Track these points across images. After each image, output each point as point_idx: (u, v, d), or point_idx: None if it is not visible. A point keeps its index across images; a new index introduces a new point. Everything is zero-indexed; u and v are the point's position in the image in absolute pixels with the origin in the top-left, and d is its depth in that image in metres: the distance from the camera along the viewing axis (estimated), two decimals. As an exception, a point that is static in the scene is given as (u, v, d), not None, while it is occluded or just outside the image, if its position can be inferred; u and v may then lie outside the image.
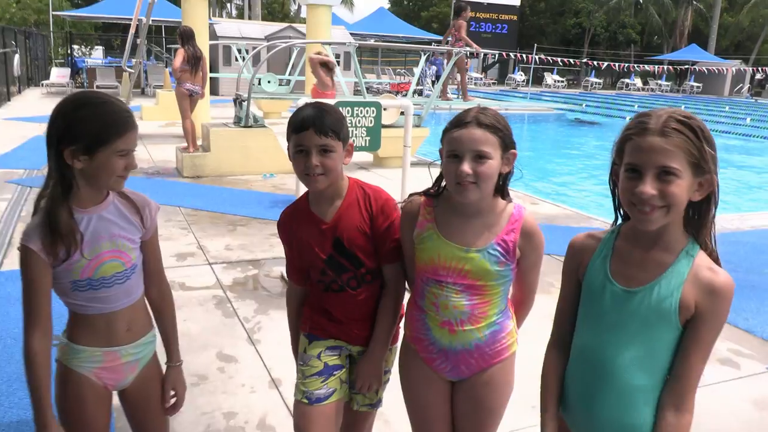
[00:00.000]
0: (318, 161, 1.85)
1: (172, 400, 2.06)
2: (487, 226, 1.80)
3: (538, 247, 1.85)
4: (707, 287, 1.44)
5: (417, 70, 11.49)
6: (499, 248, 1.79)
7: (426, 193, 1.92)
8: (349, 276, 2.01)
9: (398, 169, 9.01)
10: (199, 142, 8.93)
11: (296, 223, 2.02)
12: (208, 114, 11.57)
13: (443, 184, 1.86)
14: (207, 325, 3.94)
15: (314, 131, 1.83)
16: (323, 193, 1.95)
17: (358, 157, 9.56)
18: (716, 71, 35.98)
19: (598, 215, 7.17)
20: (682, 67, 38.86)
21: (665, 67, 39.90)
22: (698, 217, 1.50)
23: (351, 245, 1.97)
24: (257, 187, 7.86)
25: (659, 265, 1.49)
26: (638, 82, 39.61)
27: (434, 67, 22.71)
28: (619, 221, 1.63)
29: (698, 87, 39.12)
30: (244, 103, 8.58)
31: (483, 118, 1.72)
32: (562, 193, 9.32)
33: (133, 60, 13.77)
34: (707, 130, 1.43)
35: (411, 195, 1.96)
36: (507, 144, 1.76)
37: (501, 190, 1.84)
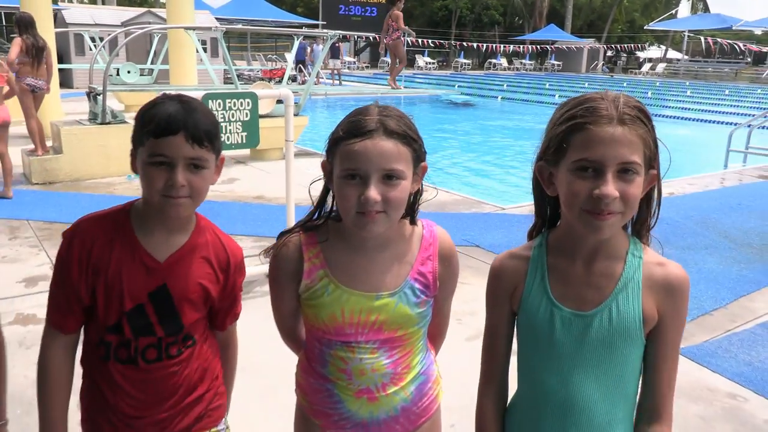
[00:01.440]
0: (186, 179, 1.36)
1: None
2: (398, 259, 1.43)
3: (456, 270, 1.52)
4: (664, 286, 1.27)
5: (290, 56, 10.94)
6: (417, 284, 1.42)
7: (305, 226, 1.46)
8: (150, 343, 1.47)
9: (278, 161, 8.50)
10: (49, 144, 7.92)
11: (109, 246, 1.42)
12: (59, 110, 10.40)
13: (328, 209, 1.44)
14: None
15: (185, 138, 1.34)
16: (167, 222, 1.44)
17: (236, 152, 8.91)
18: (574, 49, 38.04)
19: (488, 200, 7.09)
20: (543, 47, 40.73)
21: (528, 46, 41.64)
22: (637, 218, 1.31)
23: (180, 300, 1.47)
24: (121, 191, 7.06)
25: (609, 278, 1.27)
26: (504, 62, 41.07)
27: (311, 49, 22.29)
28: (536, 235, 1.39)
29: (558, 65, 41.22)
30: (99, 97, 7.68)
31: (391, 124, 1.31)
32: (447, 178, 8.99)
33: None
34: (651, 119, 1.25)
35: (282, 234, 1.49)
36: (419, 156, 1.37)
37: (409, 211, 1.45)
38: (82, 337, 1.52)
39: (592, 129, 1.17)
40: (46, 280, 4.48)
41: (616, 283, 1.26)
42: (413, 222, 1.47)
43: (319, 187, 1.46)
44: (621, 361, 1.27)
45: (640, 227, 1.32)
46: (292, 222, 4.34)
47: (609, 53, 44.82)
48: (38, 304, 4.06)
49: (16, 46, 7.72)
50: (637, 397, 1.32)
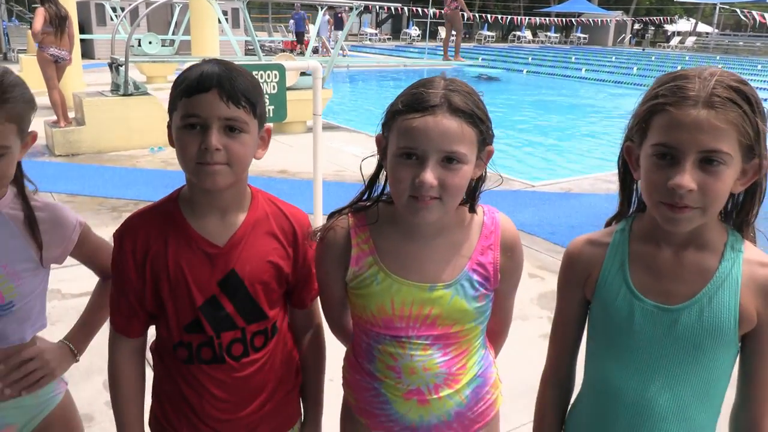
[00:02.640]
0: (221, 142, 1.20)
1: None
2: (455, 248, 1.29)
3: (521, 262, 1.38)
4: (766, 290, 1.12)
5: (314, 27, 10.72)
6: (476, 276, 1.29)
7: (356, 207, 1.33)
8: (234, 337, 1.34)
9: (302, 135, 8.38)
10: (71, 115, 7.85)
11: (162, 240, 1.30)
12: (81, 81, 10.32)
13: (381, 190, 1.31)
14: (91, 344, 3.24)
15: (219, 95, 1.19)
16: (215, 201, 1.30)
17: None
18: (600, 22, 37.16)
19: (517, 176, 6.89)
20: (569, 19, 39.87)
21: (553, 19, 40.79)
22: (738, 211, 1.18)
23: (253, 284, 1.33)
24: (144, 163, 6.97)
25: (702, 271, 1.15)
26: (528, 34, 40.26)
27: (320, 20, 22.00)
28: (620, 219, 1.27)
29: (584, 38, 40.32)
30: (122, 68, 7.57)
31: (456, 100, 1.16)
32: None
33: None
34: (761, 101, 1.08)
35: (332, 214, 1.35)
36: (485, 139, 1.22)
37: (470, 198, 1.31)
38: (153, 339, 1.42)
39: (672, 111, 1.05)
40: (70, 254, 4.42)
41: (710, 278, 1.13)
42: (473, 209, 1.32)
43: (371, 164, 1.31)
44: (708, 365, 1.14)
45: (741, 221, 1.18)
46: (319, 198, 4.21)
47: (636, 26, 43.77)
48: (60, 279, 3.98)
49: (39, 16, 7.61)
50: (721, 406, 1.20)
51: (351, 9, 9.49)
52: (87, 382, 2.90)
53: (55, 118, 7.61)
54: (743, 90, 1.05)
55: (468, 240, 1.30)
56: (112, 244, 1.36)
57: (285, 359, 1.45)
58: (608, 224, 1.29)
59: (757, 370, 1.16)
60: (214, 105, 1.19)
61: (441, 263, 1.27)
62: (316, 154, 4.12)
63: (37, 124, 8.09)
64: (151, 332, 1.43)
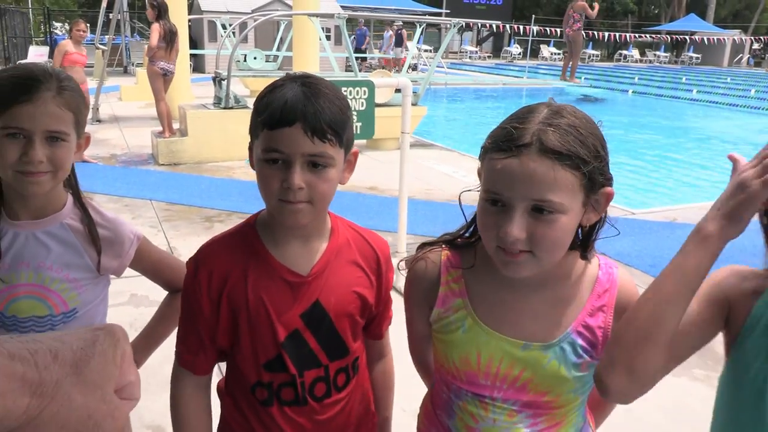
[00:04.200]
0: (304, 180, 1.11)
1: None
2: (560, 304, 1.11)
3: None
4: None
5: (412, 44, 10.74)
6: (581, 340, 1.10)
7: (451, 243, 1.20)
8: (318, 376, 1.24)
9: (393, 151, 8.34)
10: (176, 126, 8.21)
11: (241, 270, 1.21)
12: (190, 94, 10.83)
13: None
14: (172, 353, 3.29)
15: (303, 129, 1.09)
16: (296, 231, 1.21)
17: (350, 138, 8.87)
18: (715, 41, 35.20)
19: (616, 203, 6.52)
20: (681, 38, 38.07)
21: (663, 36, 39.10)
22: None
23: (339, 316, 1.23)
24: (239, 174, 7.17)
25: None
26: (636, 53, 38.78)
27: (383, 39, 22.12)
28: None
29: (697, 58, 38.35)
30: (224, 82, 7.85)
31: (551, 138, 0.98)
32: None
33: (107, 36, 12.94)
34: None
35: (423, 246, 1.23)
36: (595, 180, 1.02)
37: (582, 245, 1.13)
38: (223, 378, 1.34)
39: None
40: (162, 261, 4.56)
41: None
42: (585, 258, 1.13)
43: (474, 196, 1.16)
44: None
45: None
46: (404, 216, 4.13)
47: (756, 46, 41.14)
48: (151, 287, 4.11)
49: (155, 32, 8.03)
50: None
51: (452, 26, 9.41)
52: (163, 393, 2.93)
53: (161, 128, 7.99)
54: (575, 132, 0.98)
55: (577, 297, 1.11)
56: (185, 268, 1.28)
57: (363, 398, 1.35)
58: None
59: None
60: (299, 141, 1.10)
61: (540, 320, 1.10)
62: (403, 172, 4.05)
63: (145, 133, 8.55)
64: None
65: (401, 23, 20.48)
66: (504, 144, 1.01)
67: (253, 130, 1.16)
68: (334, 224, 1.29)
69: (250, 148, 1.19)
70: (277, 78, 1.19)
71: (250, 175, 7.07)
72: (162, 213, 5.64)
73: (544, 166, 0.97)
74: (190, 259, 1.25)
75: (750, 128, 13.73)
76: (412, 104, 7.82)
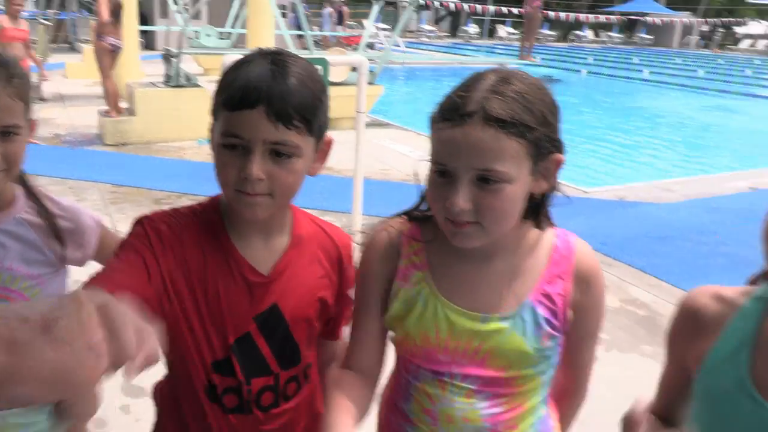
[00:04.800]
0: (265, 170, 1.00)
1: None
2: (517, 274, 1.08)
3: (600, 301, 1.13)
4: None
5: (368, 22, 10.62)
6: (541, 309, 1.07)
7: (411, 215, 1.15)
8: (266, 384, 1.15)
9: (348, 131, 8.22)
10: (124, 105, 7.94)
11: (200, 254, 1.08)
12: (139, 71, 10.48)
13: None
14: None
15: (266, 113, 0.98)
16: (257, 224, 1.10)
17: (306, 118, 8.73)
18: (666, 22, 35.88)
19: (569, 182, 6.59)
20: (633, 18, 38.68)
21: (617, 17, 39.65)
22: None
23: (296, 321, 1.15)
24: (190, 155, 6.99)
25: None
26: (590, 34, 39.22)
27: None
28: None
29: (649, 39, 39.04)
30: (174, 60, 7.61)
31: (496, 106, 0.94)
32: None
33: (49, 12, 12.42)
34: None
35: (383, 222, 1.18)
36: (542, 147, 1.00)
37: (535, 214, 1.10)
38: (161, 382, 1.23)
39: None
40: (108, 245, 4.41)
41: None
42: (540, 227, 1.11)
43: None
44: None
45: None
46: (359, 196, 4.08)
47: (704, 28, 42.14)
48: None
49: (104, 6, 7.66)
50: None
51: (409, 4, 9.31)
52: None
53: (107, 107, 7.72)
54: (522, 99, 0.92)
55: (534, 266, 1.08)
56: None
57: (312, 407, 1.26)
58: (752, 283, 0.99)
59: None
60: (260, 126, 0.98)
61: (498, 291, 1.07)
62: (358, 152, 4.00)
63: (91, 113, 8.25)
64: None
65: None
66: (449, 113, 0.97)
67: (214, 110, 1.05)
68: (295, 218, 1.19)
69: (211, 130, 1.08)
70: (232, 55, 1.10)
71: (202, 156, 6.93)
72: (108, 195, 5.46)
73: (488, 135, 0.94)
74: (142, 217, 1.09)
75: (697, 108, 14.06)
76: (369, 83, 7.73)
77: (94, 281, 0.99)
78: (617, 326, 3.53)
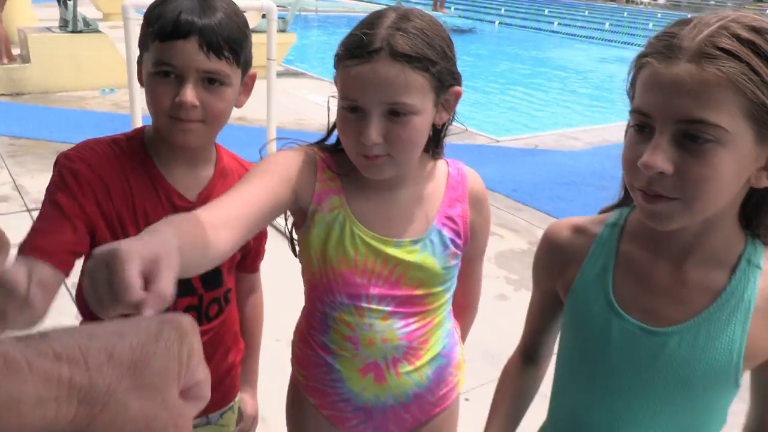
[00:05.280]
0: (198, 97, 1.07)
1: None
2: (422, 200, 1.16)
3: (489, 219, 1.26)
4: None
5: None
6: (446, 231, 1.16)
7: (323, 146, 1.18)
8: (190, 304, 1.22)
9: (261, 80, 8.10)
10: (16, 51, 7.40)
11: (125, 180, 1.11)
12: (31, 15, 9.74)
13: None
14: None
15: (199, 44, 1.05)
16: (184, 153, 1.16)
17: (216, 67, 8.43)
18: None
19: (481, 131, 6.75)
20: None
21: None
22: (764, 211, 0.88)
23: None
24: (94, 105, 6.61)
25: (704, 289, 0.90)
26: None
27: None
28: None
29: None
30: (70, 3, 7.12)
31: (400, 42, 0.99)
32: None
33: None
34: None
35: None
36: (444, 80, 1.05)
37: (434, 143, 1.18)
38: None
39: (654, 65, 0.79)
40: (8, 200, 4.18)
41: (714, 298, 0.89)
42: (438, 154, 1.20)
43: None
44: (701, 407, 0.92)
45: (765, 227, 0.90)
46: (273, 147, 4.02)
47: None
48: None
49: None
50: None
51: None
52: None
53: (-2, 54, 7.17)
54: (756, 41, 0.74)
55: (435, 192, 1.17)
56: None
57: (231, 329, 1.34)
58: (603, 212, 1.05)
59: None
60: (194, 55, 1.05)
61: (408, 217, 1.15)
62: (270, 101, 3.92)
63: (-21, 59, 7.62)
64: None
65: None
66: (356, 51, 1.01)
67: (143, 43, 1.11)
68: (219, 151, 1.25)
69: (139, 62, 1.14)
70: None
71: (106, 106, 6.61)
72: (5, 148, 5.13)
73: (395, 70, 0.99)
74: (60, 155, 1.10)
75: (603, 59, 14.59)
76: (280, 31, 7.52)
77: (21, 251, 1.01)
78: (525, 267, 3.70)
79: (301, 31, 11.27)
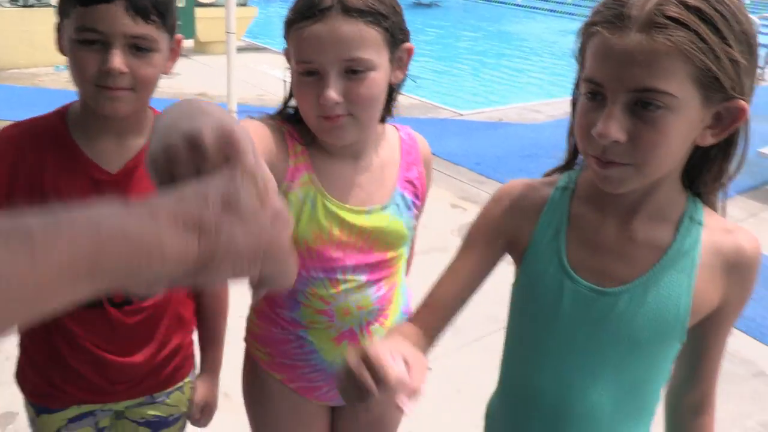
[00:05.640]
0: (126, 64, 1.03)
1: None
2: (384, 166, 1.18)
3: (432, 178, 1.29)
4: (732, 264, 0.91)
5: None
6: (407, 194, 1.20)
7: (285, 115, 1.15)
8: None
9: (222, 55, 7.92)
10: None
11: (40, 158, 1.10)
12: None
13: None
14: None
15: (125, 7, 1.01)
16: (112, 124, 1.11)
17: (175, 42, 8.25)
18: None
19: (445, 105, 6.76)
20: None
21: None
22: (705, 169, 0.91)
23: None
24: (48, 83, 6.44)
25: (651, 247, 0.92)
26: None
27: None
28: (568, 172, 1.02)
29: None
30: (19, -25, 6.88)
31: None
32: (407, 80, 8.68)
33: None
34: (741, 15, 0.79)
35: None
36: (396, 35, 1.06)
37: (387, 104, 1.16)
38: None
39: (604, 35, 0.79)
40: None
41: (660, 255, 0.91)
42: (390, 114, 1.19)
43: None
44: (647, 363, 0.95)
45: (706, 184, 0.93)
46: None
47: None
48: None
49: None
50: (655, 411, 1.04)
51: None
52: None
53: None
54: (702, 8, 0.76)
55: (393, 157, 1.19)
56: None
57: (174, 311, 1.29)
58: (547, 176, 1.05)
59: (709, 349, 0.99)
60: (119, 19, 1.01)
61: (374, 184, 1.16)
62: (230, 75, 3.87)
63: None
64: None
65: None
66: (307, 11, 1.00)
67: (63, 9, 1.06)
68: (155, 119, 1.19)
69: (59, 30, 1.08)
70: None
71: (60, 83, 6.42)
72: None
73: (349, 26, 0.99)
74: None
75: (565, 32, 14.65)
76: (240, 4, 7.40)
77: None
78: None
79: (263, 4, 11.06)
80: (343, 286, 1.16)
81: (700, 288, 0.91)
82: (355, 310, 1.17)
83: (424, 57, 10.67)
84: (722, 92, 0.79)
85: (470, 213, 4.12)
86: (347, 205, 1.13)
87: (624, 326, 0.92)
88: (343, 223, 1.12)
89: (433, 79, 8.90)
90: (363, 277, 1.17)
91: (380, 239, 1.16)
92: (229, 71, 3.85)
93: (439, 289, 1.02)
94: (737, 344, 2.94)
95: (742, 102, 0.81)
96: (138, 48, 1.04)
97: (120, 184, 1.12)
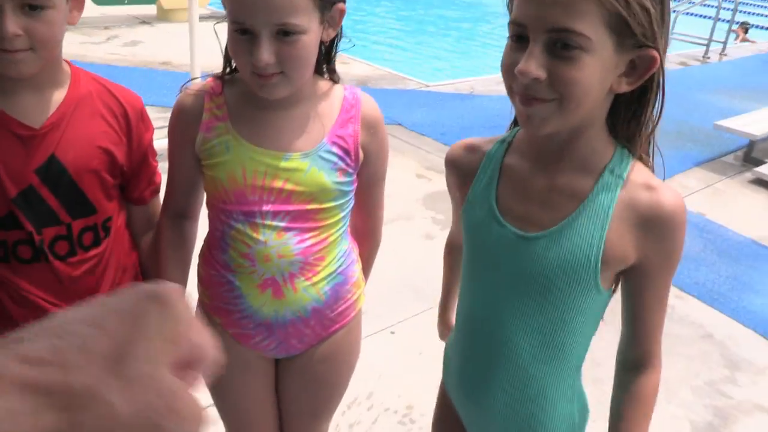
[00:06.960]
0: (20, 25, 1.02)
1: None
2: (314, 118, 1.21)
3: (385, 144, 1.30)
4: (649, 218, 0.95)
5: None
6: (336, 149, 1.21)
7: (215, 74, 1.23)
8: (58, 233, 1.19)
9: (183, 23, 7.81)
10: None
11: None
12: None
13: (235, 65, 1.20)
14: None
15: None
16: (25, 80, 1.11)
17: (140, 10, 8.06)
18: None
19: (412, 76, 6.77)
20: None
21: None
22: (624, 119, 0.98)
23: (79, 173, 1.17)
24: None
25: (570, 196, 0.98)
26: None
27: None
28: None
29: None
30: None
31: None
32: (370, 50, 8.41)
33: None
34: None
35: (192, 80, 1.27)
36: (327, 0, 1.11)
37: (325, 64, 1.25)
38: None
39: None
40: None
41: (577, 204, 0.97)
42: (331, 74, 1.26)
43: None
44: (562, 308, 1.01)
45: (631, 133, 0.98)
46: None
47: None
48: None
49: None
50: (582, 358, 1.11)
51: None
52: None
53: None
54: None
55: (328, 111, 1.22)
56: None
57: (122, 263, 1.31)
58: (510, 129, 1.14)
59: (643, 310, 1.04)
60: None
61: (298, 133, 1.20)
62: (193, 43, 3.82)
63: None
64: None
65: None
66: None
67: None
68: (74, 75, 1.20)
69: None
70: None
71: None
72: None
73: None
74: None
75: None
76: (204, -29, 7.22)
77: None
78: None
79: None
80: (262, 231, 1.20)
81: (611, 239, 0.96)
82: (275, 258, 1.21)
83: (392, 28, 10.64)
84: (633, 38, 0.86)
85: (435, 182, 4.18)
86: (263, 148, 1.18)
87: (539, 269, 0.99)
88: (257, 166, 1.17)
89: (400, 50, 8.91)
90: (282, 224, 1.21)
91: (299, 188, 1.19)
92: (191, 39, 3.81)
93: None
94: (687, 308, 3.08)
95: (654, 51, 0.87)
96: (31, 7, 1.03)
97: (46, 138, 1.14)
